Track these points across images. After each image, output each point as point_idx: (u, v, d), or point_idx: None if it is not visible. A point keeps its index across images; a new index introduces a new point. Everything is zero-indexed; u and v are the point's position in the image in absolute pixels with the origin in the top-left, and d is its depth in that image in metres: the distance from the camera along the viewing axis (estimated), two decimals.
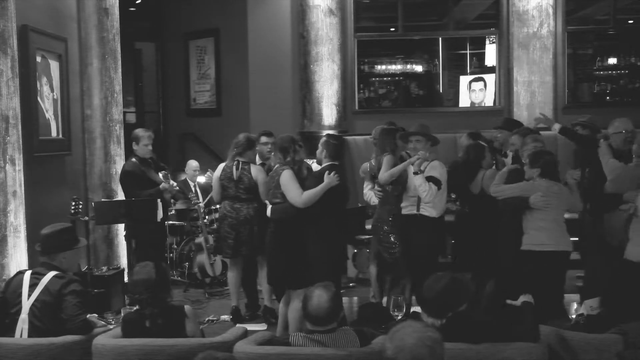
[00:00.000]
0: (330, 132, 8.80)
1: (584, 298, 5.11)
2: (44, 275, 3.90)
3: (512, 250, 5.33)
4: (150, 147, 6.46)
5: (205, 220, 7.42)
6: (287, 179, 5.14)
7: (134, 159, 6.41)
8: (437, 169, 5.54)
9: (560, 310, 5.04)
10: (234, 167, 5.98)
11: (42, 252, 4.07)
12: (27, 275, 3.92)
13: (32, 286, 3.86)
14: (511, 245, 5.34)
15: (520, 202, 5.20)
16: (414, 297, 5.50)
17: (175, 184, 6.75)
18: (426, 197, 5.43)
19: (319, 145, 5.51)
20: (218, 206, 7.63)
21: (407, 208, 5.62)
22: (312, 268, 5.06)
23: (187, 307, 3.78)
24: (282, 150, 5.28)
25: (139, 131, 6.55)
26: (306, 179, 5.28)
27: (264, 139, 6.33)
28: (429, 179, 5.43)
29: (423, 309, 3.36)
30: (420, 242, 5.53)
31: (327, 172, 5.14)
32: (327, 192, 5.11)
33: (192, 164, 8.33)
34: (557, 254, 5.12)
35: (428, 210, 5.53)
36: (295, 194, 5.09)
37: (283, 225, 5.19)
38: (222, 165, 6.14)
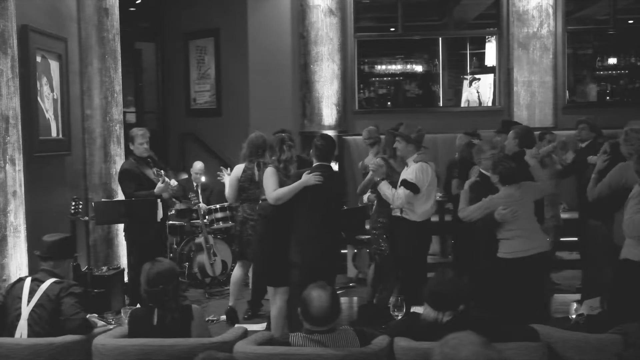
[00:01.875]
0: (330, 132, 8.81)
1: (584, 299, 5.09)
2: (43, 281, 3.92)
3: (490, 253, 5.09)
4: (145, 146, 6.35)
5: (205, 220, 7.42)
6: (267, 175, 5.14)
7: (131, 158, 6.38)
8: (414, 172, 5.33)
9: (544, 312, 4.92)
10: (255, 168, 5.89)
11: (46, 258, 4.07)
12: (28, 282, 3.94)
13: (32, 292, 3.87)
14: (489, 248, 5.10)
15: (490, 219, 4.95)
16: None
17: (175, 182, 6.67)
18: (395, 203, 5.34)
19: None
20: (218, 206, 7.67)
21: (394, 210, 5.57)
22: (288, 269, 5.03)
23: (194, 308, 3.71)
24: (270, 149, 5.49)
25: (134, 130, 6.49)
26: (289, 178, 5.16)
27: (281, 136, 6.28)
28: (403, 183, 5.32)
29: (429, 303, 3.36)
30: (401, 243, 5.48)
31: (306, 172, 4.99)
32: (308, 193, 4.93)
33: (197, 165, 8.29)
34: (532, 257, 4.90)
35: (409, 214, 5.44)
36: (269, 190, 5.06)
37: (267, 222, 5.20)
38: (241, 166, 6.03)
